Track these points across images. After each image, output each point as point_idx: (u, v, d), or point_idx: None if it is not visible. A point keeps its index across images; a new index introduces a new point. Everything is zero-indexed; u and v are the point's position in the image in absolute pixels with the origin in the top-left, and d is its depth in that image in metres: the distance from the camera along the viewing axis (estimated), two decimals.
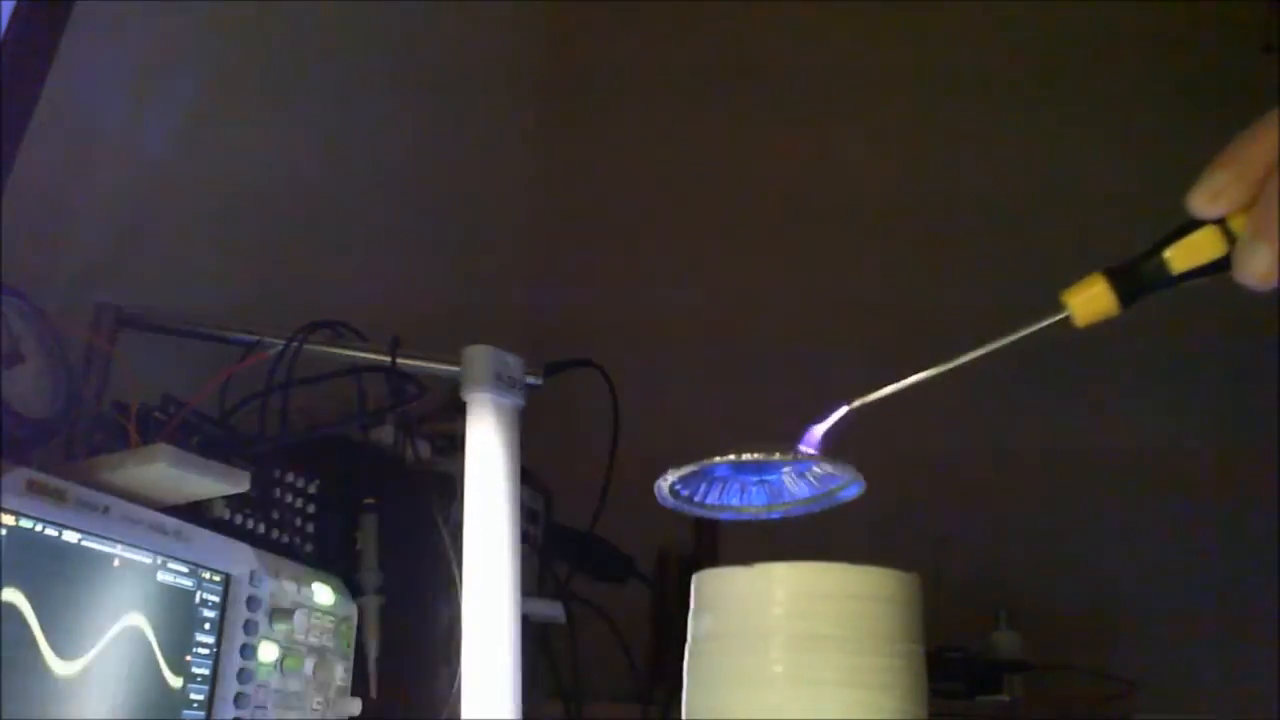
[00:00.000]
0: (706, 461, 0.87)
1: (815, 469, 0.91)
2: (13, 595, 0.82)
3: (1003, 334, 0.83)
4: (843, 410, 0.87)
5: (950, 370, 0.85)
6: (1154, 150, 2.24)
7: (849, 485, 0.92)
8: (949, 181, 2.45)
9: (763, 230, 2.52)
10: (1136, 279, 0.80)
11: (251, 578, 1.04)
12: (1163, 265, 0.78)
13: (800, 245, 2.50)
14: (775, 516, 0.94)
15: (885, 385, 0.86)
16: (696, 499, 0.93)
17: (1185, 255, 0.77)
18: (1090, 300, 0.81)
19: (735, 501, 0.94)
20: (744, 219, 2.53)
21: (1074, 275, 0.82)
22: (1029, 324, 0.83)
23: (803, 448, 0.87)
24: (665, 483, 0.89)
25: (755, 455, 0.87)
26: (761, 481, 0.93)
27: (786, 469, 0.92)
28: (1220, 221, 0.75)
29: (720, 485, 0.93)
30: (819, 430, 0.86)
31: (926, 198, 2.48)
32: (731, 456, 0.86)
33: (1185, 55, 2.30)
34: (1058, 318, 0.82)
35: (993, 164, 2.42)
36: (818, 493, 0.93)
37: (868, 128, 2.52)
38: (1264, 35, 1.28)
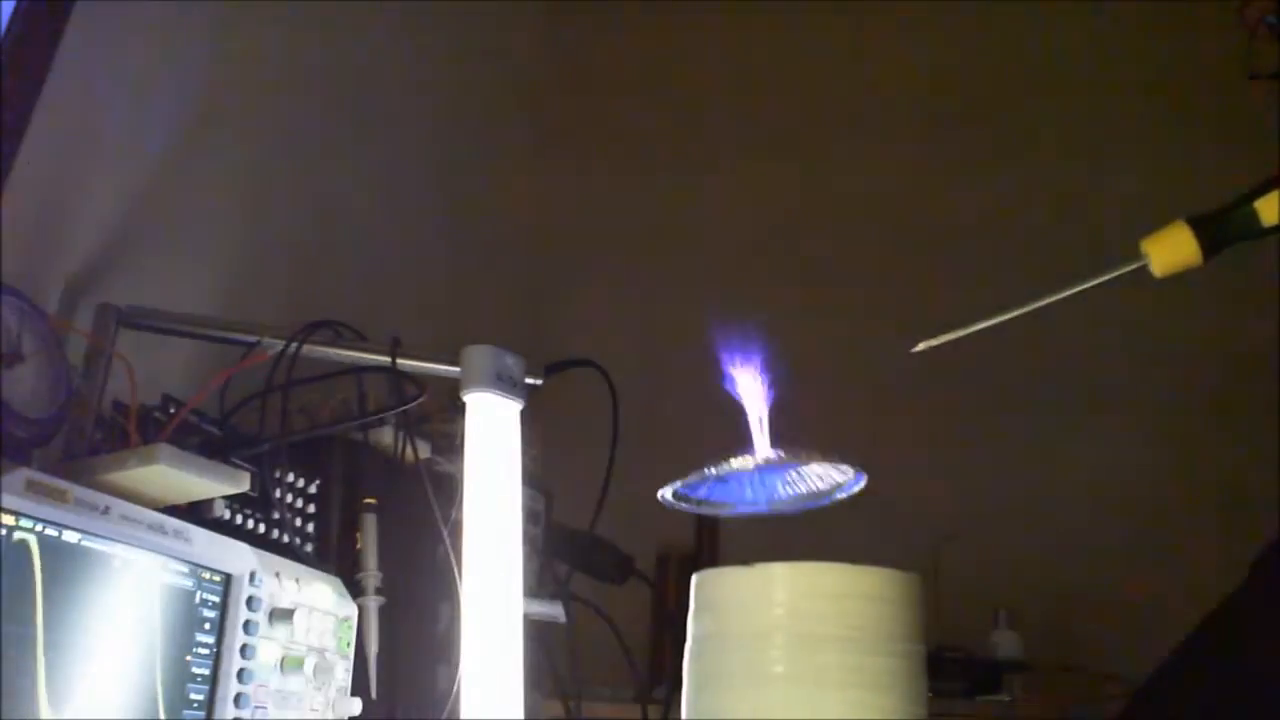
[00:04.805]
0: (709, 473, 0.87)
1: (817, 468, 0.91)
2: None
3: (1079, 280, 0.81)
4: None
5: (1017, 318, 0.83)
6: (1150, 167, 2.26)
7: (851, 479, 0.92)
8: (952, 200, 2.46)
9: (763, 231, 2.52)
10: (1223, 229, 0.77)
11: (251, 578, 1.04)
12: (1252, 216, 0.76)
13: (802, 245, 2.50)
14: (779, 512, 0.94)
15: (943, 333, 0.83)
16: (698, 496, 0.93)
17: (1277, 208, 0.76)
18: (1172, 248, 0.78)
19: (736, 499, 0.94)
20: (745, 219, 2.54)
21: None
22: (1106, 271, 0.80)
23: (797, 452, 0.86)
24: (668, 491, 0.90)
25: (751, 461, 0.87)
26: (762, 480, 0.93)
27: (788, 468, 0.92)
28: None
29: (720, 483, 0.93)
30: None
31: (930, 200, 2.49)
32: (734, 464, 0.86)
33: (1176, 82, 2.33)
34: (1135, 265, 0.80)
35: (996, 185, 2.44)
36: (819, 490, 0.93)
37: (865, 133, 2.52)
38: (1248, 64, 1.30)
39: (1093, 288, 0.82)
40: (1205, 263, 0.79)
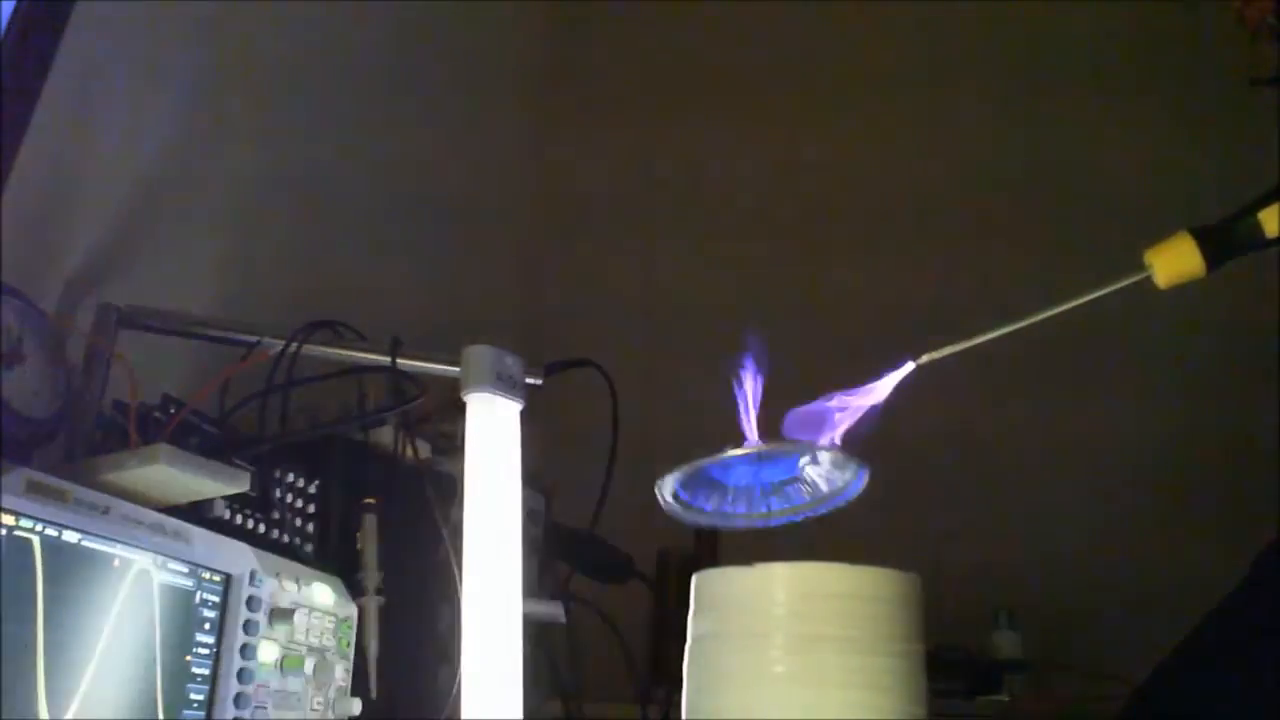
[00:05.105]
0: (708, 459, 0.87)
1: (818, 463, 0.91)
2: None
3: (1076, 295, 0.81)
4: (909, 366, 0.86)
5: (1018, 330, 0.83)
6: (1149, 173, 2.26)
7: (854, 480, 0.91)
8: (952, 183, 2.46)
9: (762, 228, 2.52)
10: (1227, 240, 0.77)
11: (251, 578, 1.04)
12: (1256, 228, 0.76)
13: (800, 242, 2.50)
14: (775, 523, 0.94)
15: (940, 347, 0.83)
16: (696, 505, 0.93)
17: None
18: (1176, 260, 0.78)
19: (736, 509, 0.94)
20: (743, 216, 2.54)
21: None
22: (1108, 283, 0.80)
23: (802, 439, 0.86)
24: (665, 487, 0.89)
25: (759, 447, 0.87)
26: (763, 490, 0.93)
27: (787, 473, 0.91)
28: None
29: (720, 493, 0.93)
30: (885, 384, 0.85)
31: (927, 195, 2.49)
32: (743, 449, 0.86)
33: (1177, 89, 2.33)
34: (1138, 277, 0.80)
35: (994, 188, 2.44)
36: (819, 495, 0.93)
37: (867, 126, 2.52)
38: (1250, 70, 1.31)
39: (1095, 300, 0.82)
40: (1209, 274, 0.79)
